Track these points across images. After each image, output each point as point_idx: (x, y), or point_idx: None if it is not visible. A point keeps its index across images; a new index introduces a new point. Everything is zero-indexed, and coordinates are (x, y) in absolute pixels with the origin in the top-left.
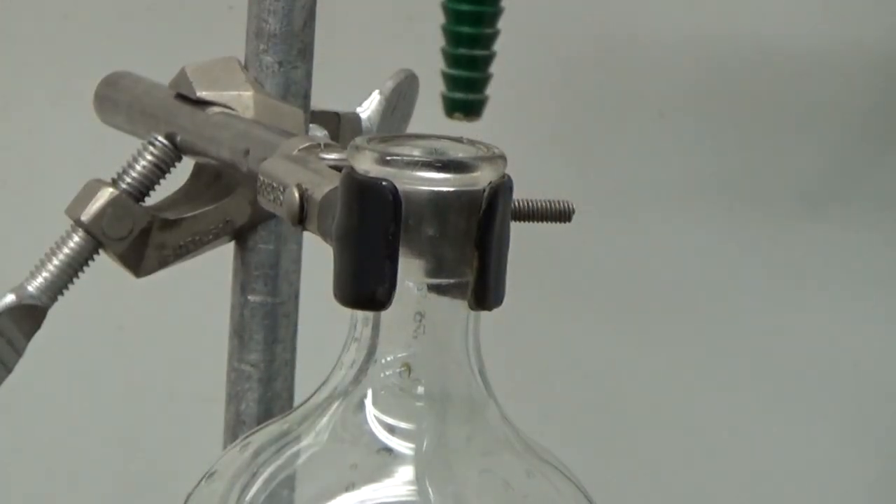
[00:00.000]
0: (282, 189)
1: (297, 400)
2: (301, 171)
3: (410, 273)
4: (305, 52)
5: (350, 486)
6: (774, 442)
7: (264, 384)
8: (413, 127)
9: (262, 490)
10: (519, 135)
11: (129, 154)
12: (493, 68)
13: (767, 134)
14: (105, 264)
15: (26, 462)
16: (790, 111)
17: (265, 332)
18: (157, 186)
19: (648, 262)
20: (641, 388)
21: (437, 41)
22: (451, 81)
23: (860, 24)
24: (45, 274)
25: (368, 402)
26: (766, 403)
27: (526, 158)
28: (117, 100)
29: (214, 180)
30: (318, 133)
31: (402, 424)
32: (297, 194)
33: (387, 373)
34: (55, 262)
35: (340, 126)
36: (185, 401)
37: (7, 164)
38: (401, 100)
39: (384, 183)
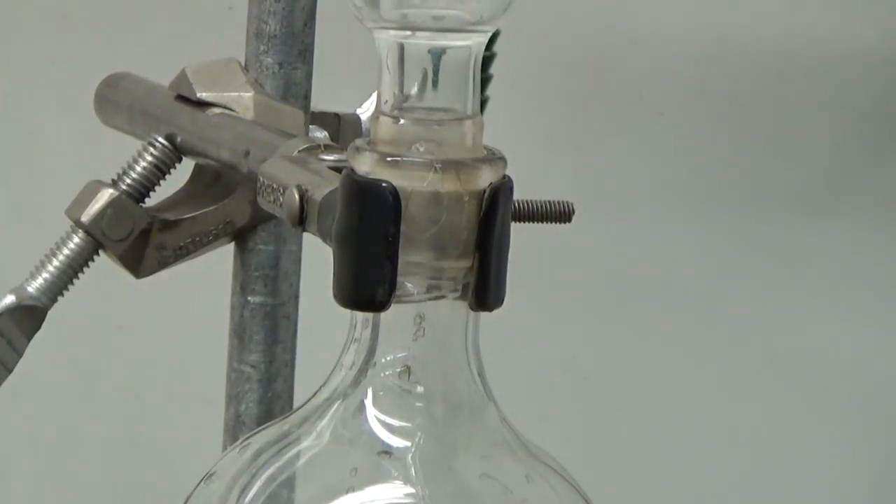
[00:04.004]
0: (282, 190)
1: (297, 401)
2: (301, 173)
3: None
4: (306, 54)
5: (350, 488)
6: (774, 441)
7: (264, 385)
8: None
9: (261, 491)
10: (519, 135)
11: (129, 155)
12: (493, 69)
13: (767, 134)
14: (105, 265)
15: (26, 462)
16: (790, 111)
17: (265, 332)
18: (157, 187)
19: (648, 261)
20: (641, 388)
21: None
22: None
23: (860, 24)
24: (45, 275)
25: (368, 403)
26: (766, 403)
27: (526, 159)
28: (117, 101)
29: (214, 181)
30: (319, 134)
31: (402, 426)
32: (296, 195)
33: (386, 373)
34: (55, 262)
35: (341, 127)
36: (185, 401)
37: (7, 164)
38: None
39: (384, 184)
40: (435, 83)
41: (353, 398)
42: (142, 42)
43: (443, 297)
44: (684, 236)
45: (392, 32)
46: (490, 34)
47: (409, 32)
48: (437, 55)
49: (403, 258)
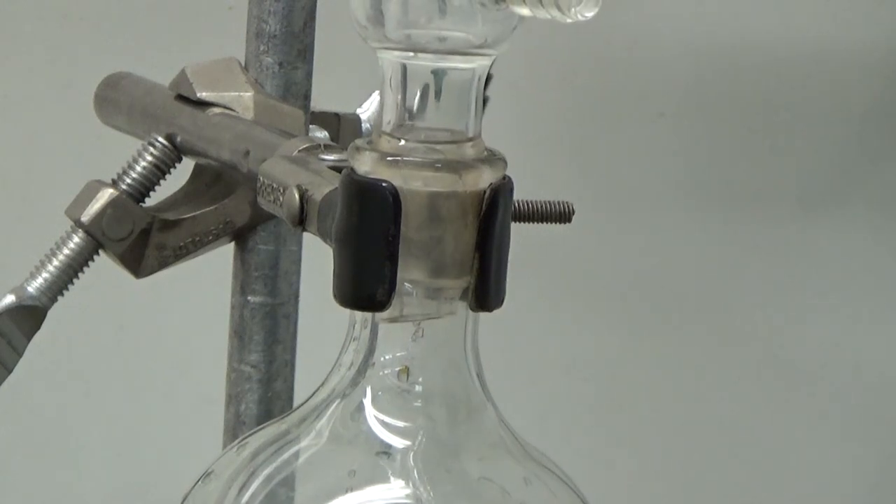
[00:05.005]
0: (282, 190)
1: (297, 401)
2: (301, 172)
3: None
4: (305, 53)
5: (349, 488)
6: (774, 442)
7: (264, 385)
8: None
9: (259, 490)
10: (519, 135)
11: (129, 154)
12: (494, 69)
13: (767, 134)
14: (105, 264)
15: (26, 462)
16: (789, 112)
17: (265, 332)
18: (157, 187)
19: (648, 261)
20: (641, 388)
21: None
22: None
23: (860, 24)
24: (45, 274)
25: (367, 403)
26: (766, 403)
27: (526, 159)
28: (117, 101)
29: (214, 181)
30: (319, 134)
31: (401, 426)
32: (296, 195)
33: (385, 372)
34: (55, 262)
35: (340, 127)
36: (185, 401)
37: (7, 164)
38: None
39: (384, 184)
40: (437, 104)
41: (351, 398)
42: (142, 42)
43: (438, 318)
44: (684, 236)
45: (396, 53)
46: (494, 58)
47: (412, 53)
48: (440, 76)
49: (401, 276)
